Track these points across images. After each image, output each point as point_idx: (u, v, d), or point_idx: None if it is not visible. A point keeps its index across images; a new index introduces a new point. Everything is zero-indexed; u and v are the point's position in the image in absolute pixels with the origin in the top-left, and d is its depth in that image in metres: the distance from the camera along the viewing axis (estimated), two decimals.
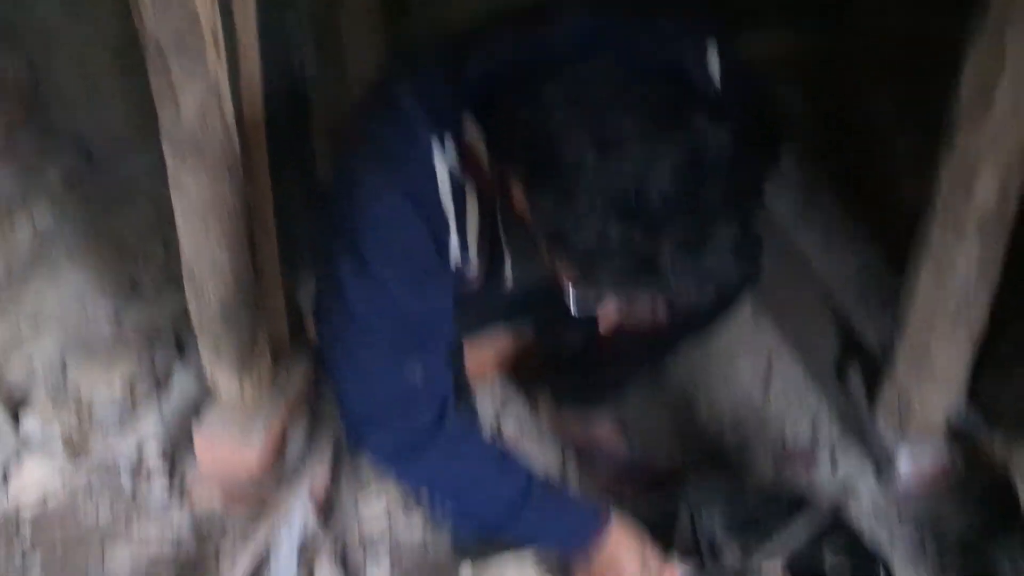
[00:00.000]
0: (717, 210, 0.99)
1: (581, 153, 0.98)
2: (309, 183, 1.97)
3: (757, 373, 2.06)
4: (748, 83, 1.37)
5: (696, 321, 1.58)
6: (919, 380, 1.71)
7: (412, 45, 1.91)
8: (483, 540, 1.52)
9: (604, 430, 1.83)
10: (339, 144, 1.29)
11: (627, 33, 1.18)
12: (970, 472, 1.74)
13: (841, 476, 1.81)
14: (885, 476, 1.78)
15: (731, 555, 1.46)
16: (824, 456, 1.85)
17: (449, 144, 1.17)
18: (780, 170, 1.60)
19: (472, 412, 1.42)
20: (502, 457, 1.38)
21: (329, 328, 1.29)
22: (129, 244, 2.44)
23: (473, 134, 1.18)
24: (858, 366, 1.94)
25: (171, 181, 1.54)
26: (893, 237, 1.94)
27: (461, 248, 1.24)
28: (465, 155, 1.18)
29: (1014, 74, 1.40)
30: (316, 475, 1.77)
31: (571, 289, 1.13)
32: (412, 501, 1.68)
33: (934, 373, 1.70)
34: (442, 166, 1.17)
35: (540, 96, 1.05)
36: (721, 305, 1.57)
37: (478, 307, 1.45)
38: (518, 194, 1.11)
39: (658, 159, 0.97)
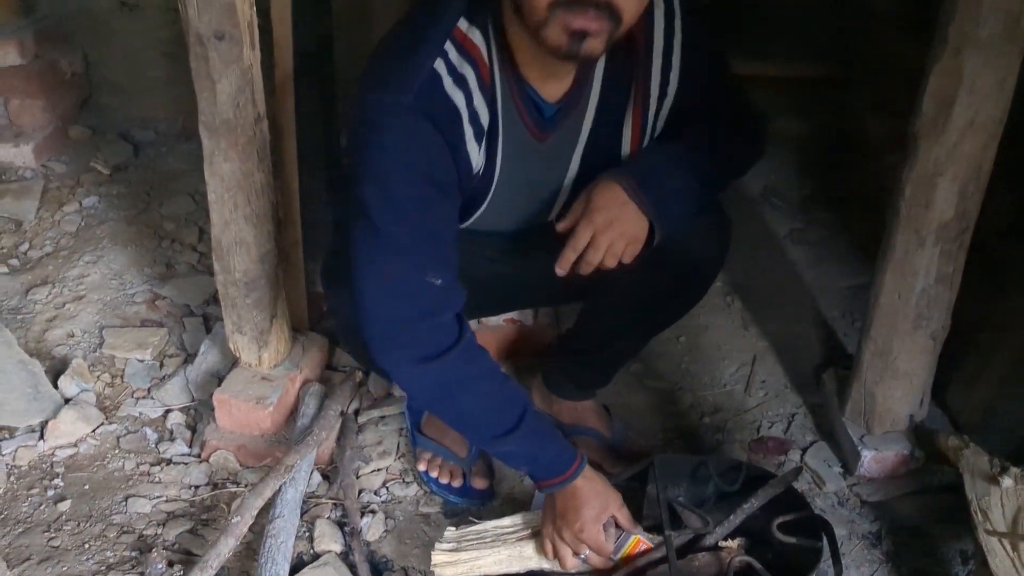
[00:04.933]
0: None
1: None
2: (333, 172, 2.13)
3: (741, 373, 2.18)
4: (704, 51, 1.54)
5: (665, 291, 1.70)
6: (882, 379, 1.82)
7: None
8: None
9: (591, 414, 1.97)
10: (356, 86, 1.46)
11: None
12: (929, 467, 1.84)
13: (809, 468, 1.92)
14: (850, 470, 1.89)
15: (693, 526, 1.58)
16: (795, 451, 1.96)
17: (452, 52, 1.37)
18: (761, 155, 1.71)
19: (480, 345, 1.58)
20: (506, 379, 1.52)
21: (357, 249, 1.41)
22: (167, 231, 2.62)
23: (467, 32, 1.39)
24: (833, 373, 2.06)
25: (205, 160, 1.71)
26: None
27: (476, 136, 1.42)
28: (465, 49, 1.38)
29: (970, 90, 1.53)
30: (323, 442, 1.92)
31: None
32: (423, 404, 1.83)
33: (896, 373, 1.81)
34: (446, 74, 1.36)
35: None
36: (690, 275, 1.70)
37: (485, 288, 1.61)
38: None
39: None
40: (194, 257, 2.53)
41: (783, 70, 2.83)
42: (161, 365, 2.20)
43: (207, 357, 2.12)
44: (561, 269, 1.48)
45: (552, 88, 1.47)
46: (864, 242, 2.42)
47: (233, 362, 2.01)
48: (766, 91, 2.59)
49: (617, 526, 1.54)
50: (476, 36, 1.40)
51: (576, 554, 1.53)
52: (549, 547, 1.55)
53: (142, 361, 2.19)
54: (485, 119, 1.44)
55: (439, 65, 1.37)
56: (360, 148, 1.40)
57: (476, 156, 1.46)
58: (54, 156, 2.90)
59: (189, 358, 2.18)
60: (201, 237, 2.59)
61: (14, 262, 2.49)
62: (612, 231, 1.46)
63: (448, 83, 1.38)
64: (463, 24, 1.39)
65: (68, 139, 2.98)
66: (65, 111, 2.98)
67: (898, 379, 1.82)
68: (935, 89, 1.56)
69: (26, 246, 2.55)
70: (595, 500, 1.51)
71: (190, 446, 1.99)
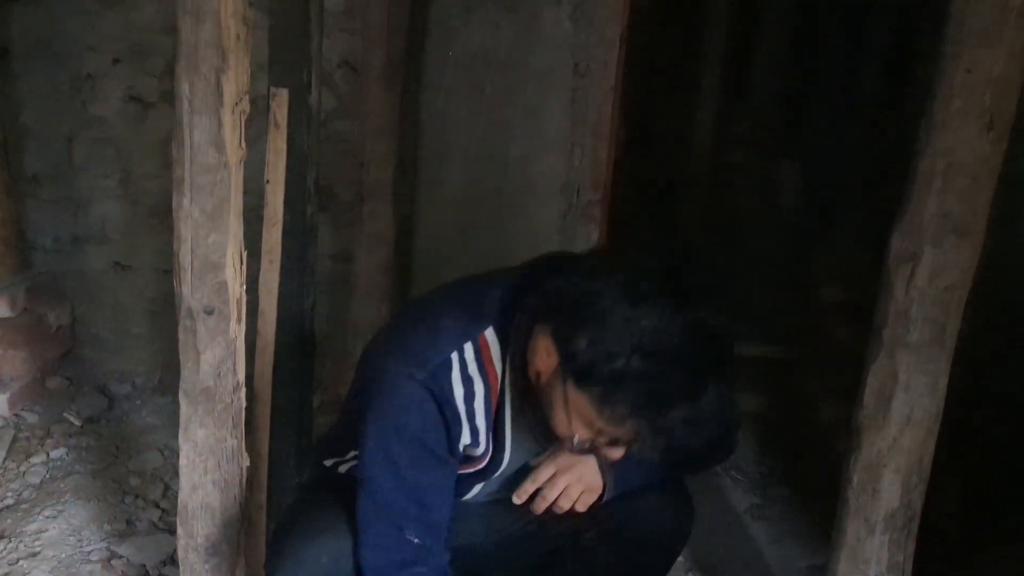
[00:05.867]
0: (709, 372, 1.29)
1: (614, 305, 1.29)
2: (304, 440, 2.19)
3: None
4: None
5: (625, 571, 1.70)
6: None
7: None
8: None
9: None
10: (371, 346, 1.60)
11: None
12: None
13: None
14: None
15: None
16: None
17: (469, 352, 1.47)
18: (732, 453, 1.84)
19: None
20: None
21: (359, 492, 1.52)
22: (132, 486, 2.62)
23: (491, 341, 1.48)
24: None
25: (181, 426, 1.76)
26: None
27: (472, 434, 1.51)
28: (481, 356, 1.48)
29: (906, 388, 1.65)
30: None
31: (575, 437, 1.39)
32: None
33: None
34: (457, 365, 1.46)
35: (580, 273, 1.37)
36: (652, 555, 1.72)
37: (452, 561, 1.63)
38: (543, 347, 1.38)
39: (671, 318, 1.27)
40: (156, 514, 2.52)
41: (743, 349, 2.98)
42: None
43: None
44: (518, 499, 1.58)
45: None
46: (821, 520, 2.45)
47: None
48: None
49: None
50: (495, 351, 1.50)
51: None
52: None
53: None
54: (481, 421, 1.53)
55: (454, 356, 1.47)
56: (368, 403, 1.50)
57: (471, 438, 1.53)
58: (28, 406, 2.94)
59: None
60: (165, 493, 2.59)
61: None
62: (571, 474, 1.57)
63: (456, 375, 1.47)
64: (489, 333, 1.50)
65: (45, 389, 3.04)
66: (46, 362, 3.05)
67: None
68: (874, 386, 1.68)
69: None
70: None
71: None
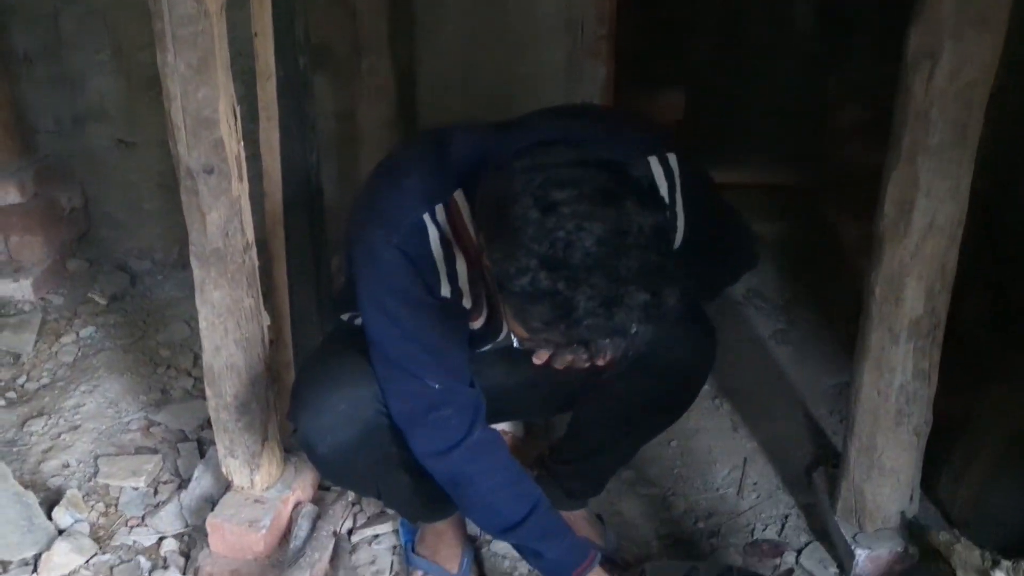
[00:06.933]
0: (632, 277, 1.19)
1: (527, 213, 1.20)
2: (323, 296, 2.19)
3: (733, 476, 2.19)
4: (703, 195, 1.59)
5: (653, 400, 1.73)
6: (870, 477, 1.84)
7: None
8: None
9: (584, 524, 1.97)
10: (351, 208, 1.55)
11: (584, 137, 1.41)
12: (924, 564, 1.84)
13: (805, 570, 1.91)
14: (845, 570, 1.89)
15: None
16: (790, 553, 1.96)
17: (440, 214, 1.43)
18: (752, 268, 1.83)
19: (499, 439, 1.62)
20: (519, 476, 1.60)
21: (371, 352, 1.53)
22: (163, 357, 2.67)
23: (462, 206, 1.44)
24: (824, 471, 2.07)
25: (196, 288, 1.76)
26: None
27: (454, 294, 1.49)
28: (455, 223, 1.44)
29: (927, 195, 1.60)
30: (316, 563, 1.91)
31: (514, 335, 1.35)
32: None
33: (883, 470, 1.82)
34: (433, 229, 1.43)
35: (507, 170, 1.28)
36: (676, 387, 1.74)
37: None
38: (485, 251, 1.33)
39: (586, 225, 1.18)
40: (189, 382, 2.57)
41: (759, 177, 2.94)
42: (155, 492, 2.20)
43: (201, 482, 2.13)
44: (538, 360, 1.52)
45: None
46: (846, 341, 2.46)
47: (226, 486, 2.02)
48: (746, 197, 2.69)
49: None
50: (467, 215, 1.44)
51: None
52: None
53: (136, 489, 2.20)
54: (465, 284, 1.50)
55: (426, 218, 1.43)
56: (356, 272, 1.50)
57: (451, 295, 1.51)
58: (52, 289, 2.97)
59: (183, 484, 2.18)
60: (196, 362, 2.63)
61: (11, 395, 2.52)
62: None
63: (433, 238, 1.44)
64: (459, 196, 1.44)
65: (66, 272, 3.06)
66: (63, 245, 3.07)
67: (885, 476, 1.83)
68: (894, 194, 1.63)
69: (23, 379, 2.58)
70: None
71: (183, 573, 1.98)
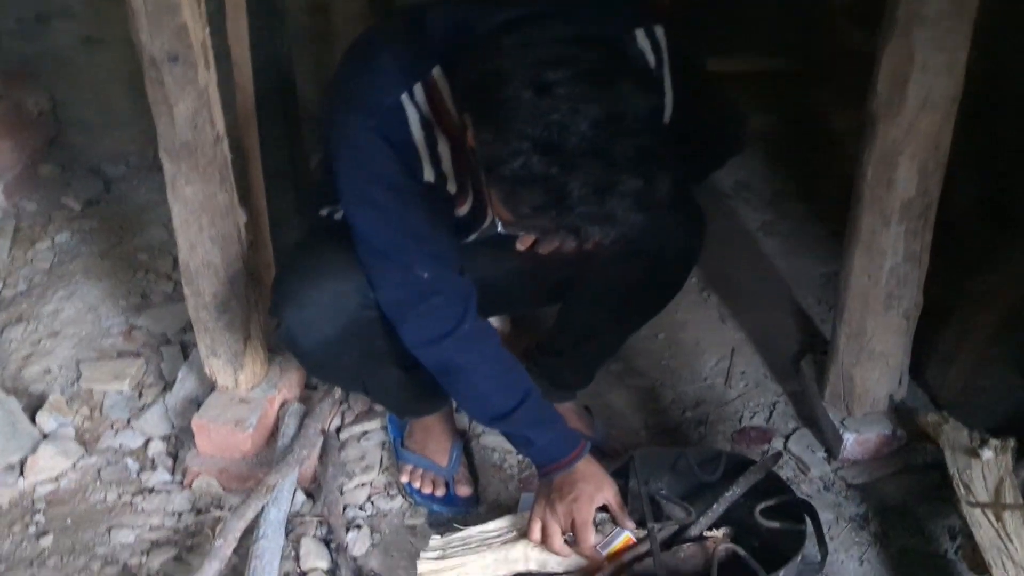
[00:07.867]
0: (627, 164, 1.15)
1: (519, 93, 1.15)
2: (301, 194, 2.13)
3: (720, 367, 2.18)
4: (692, 72, 1.53)
5: (641, 286, 1.70)
6: (859, 361, 1.83)
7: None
8: None
9: (572, 415, 1.96)
10: (325, 98, 1.49)
11: (569, 8, 1.34)
12: (912, 446, 1.85)
13: (793, 455, 1.92)
14: (833, 454, 1.89)
15: (676, 518, 1.57)
16: (778, 439, 1.97)
17: (419, 94, 1.37)
18: (740, 151, 1.80)
19: (490, 328, 1.60)
20: (511, 364, 1.57)
21: (356, 244, 1.49)
22: (141, 261, 2.62)
23: (441, 84, 1.37)
24: (812, 359, 2.07)
25: (168, 185, 1.71)
26: None
27: (438, 179, 1.44)
28: (435, 102, 1.38)
29: (922, 69, 1.54)
30: (305, 460, 1.91)
31: (499, 221, 1.31)
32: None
33: (872, 354, 1.81)
34: (412, 110, 1.37)
35: (495, 47, 1.22)
36: (666, 270, 1.71)
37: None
38: (470, 132, 1.28)
39: (582, 108, 1.13)
40: (169, 286, 2.53)
41: (746, 65, 2.85)
42: (140, 395, 2.18)
43: (185, 384, 2.11)
44: (522, 244, 1.47)
45: None
46: (835, 230, 2.40)
47: (211, 387, 2.00)
48: (732, 86, 2.61)
49: (611, 519, 1.54)
50: (447, 93, 1.38)
51: (565, 532, 1.53)
52: (538, 527, 1.55)
53: (120, 392, 2.18)
54: (448, 166, 1.45)
55: (405, 99, 1.37)
56: (336, 161, 1.44)
57: (435, 179, 1.46)
58: (24, 195, 2.89)
59: (168, 386, 2.16)
60: (175, 266, 2.57)
61: None
62: None
63: (413, 120, 1.38)
64: (437, 73, 1.37)
65: (38, 178, 2.97)
66: (34, 150, 2.98)
67: (874, 360, 1.82)
68: (888, 69, 1.57)
69: None
70: (593, 480, 1.53)
71: (172, 473, 1.98)
